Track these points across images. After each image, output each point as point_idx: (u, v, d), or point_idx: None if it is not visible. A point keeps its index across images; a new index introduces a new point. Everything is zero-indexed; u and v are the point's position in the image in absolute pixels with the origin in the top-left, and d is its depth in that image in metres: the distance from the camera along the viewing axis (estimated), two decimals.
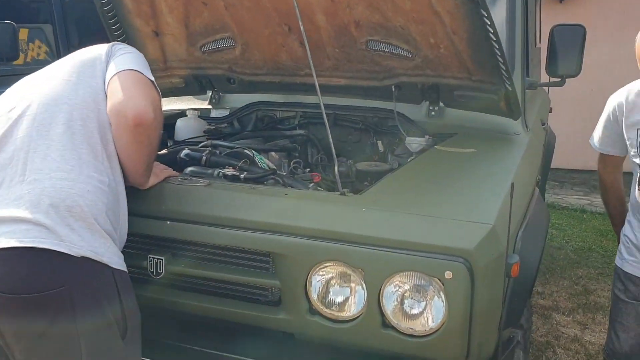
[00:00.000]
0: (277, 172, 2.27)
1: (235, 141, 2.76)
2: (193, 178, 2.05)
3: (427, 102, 2.72)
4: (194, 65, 2.98)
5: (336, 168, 1.94)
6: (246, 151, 2.34)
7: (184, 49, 2.92)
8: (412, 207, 1.78)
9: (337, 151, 2.93)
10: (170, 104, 3.27)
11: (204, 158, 2.27)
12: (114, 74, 1.67)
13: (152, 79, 1.78)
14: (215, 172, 2.17)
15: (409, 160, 2.44)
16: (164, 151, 2.53)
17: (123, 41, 2.78)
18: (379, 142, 2.82)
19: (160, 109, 1.78)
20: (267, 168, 2.32)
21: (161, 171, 1.97)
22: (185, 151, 2.34)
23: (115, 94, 1.62)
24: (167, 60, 3.00)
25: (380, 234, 1.68)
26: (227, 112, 3.09)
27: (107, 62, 1.73)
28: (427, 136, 2.54)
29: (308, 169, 2.58)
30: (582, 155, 5.74)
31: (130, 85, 1.64)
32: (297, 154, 2.64)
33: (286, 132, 2.82)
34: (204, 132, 2.85)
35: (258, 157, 2.35)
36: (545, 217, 2.37)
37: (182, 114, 3.01)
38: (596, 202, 6.30)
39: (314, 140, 2.84)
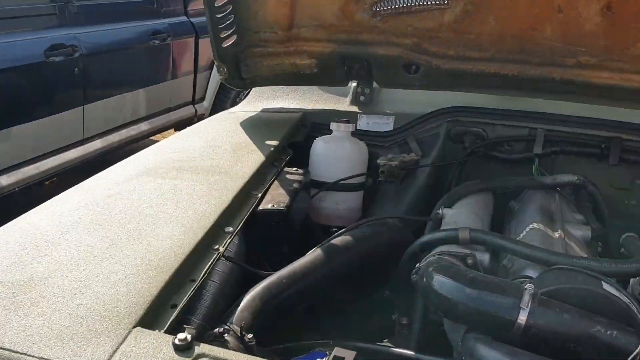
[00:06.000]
0: None
1: (455, 197, 1.44)
2: None
3: None
4: (347, 36, 1.64)
5: None
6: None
7: (337, 6, 1.57)
8: None
9: None
10: (270, 100, 1.90)
11: None
12: None
13: None
14: None
15: None
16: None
17: None
18: None
19: None
20: None
21: None
22: None
23: None
24: (295, 26, 1.65)
25: None
26: (389, 122, 1.78)
27: None
28: None
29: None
30: None
31: None
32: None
33: (545, 181, 1.53)
34: (379, 177, 1.52)
35: None
36: None
37: (319, 119, 1.67)
38: None
39: (597, 197, 1.55)
